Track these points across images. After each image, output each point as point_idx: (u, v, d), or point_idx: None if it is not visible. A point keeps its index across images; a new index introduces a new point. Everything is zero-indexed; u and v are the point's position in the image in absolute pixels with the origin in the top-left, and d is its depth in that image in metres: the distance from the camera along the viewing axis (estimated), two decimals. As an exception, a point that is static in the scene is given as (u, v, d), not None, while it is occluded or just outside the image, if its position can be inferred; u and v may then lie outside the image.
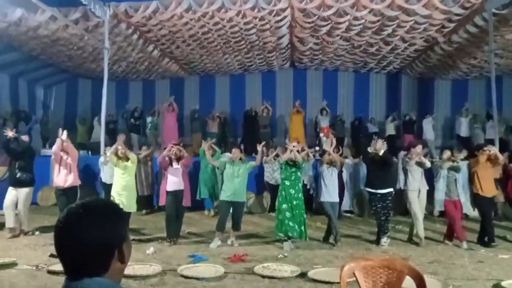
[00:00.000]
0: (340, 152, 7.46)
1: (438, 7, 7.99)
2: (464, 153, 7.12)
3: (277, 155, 7.74)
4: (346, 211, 9.33)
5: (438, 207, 6.84)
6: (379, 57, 11.72)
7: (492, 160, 6.66)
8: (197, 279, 4.75)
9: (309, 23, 9.18)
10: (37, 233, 7.02)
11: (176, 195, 6.48)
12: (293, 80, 13.93)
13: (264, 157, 7.59)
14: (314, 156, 8.27)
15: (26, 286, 4.58)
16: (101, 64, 9.92)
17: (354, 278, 2.70)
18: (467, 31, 9.21)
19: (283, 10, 8.48)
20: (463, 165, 6.89)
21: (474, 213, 7.62)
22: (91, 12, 8.32)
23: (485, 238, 6.54)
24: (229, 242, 6.46)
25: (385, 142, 6.82)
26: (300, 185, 6.58)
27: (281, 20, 8.96)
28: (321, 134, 11.85)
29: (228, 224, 6.58)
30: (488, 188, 6.61)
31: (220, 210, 6.59)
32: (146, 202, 9.23)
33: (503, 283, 4.58)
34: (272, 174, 9.21)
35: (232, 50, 11.34)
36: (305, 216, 6.45)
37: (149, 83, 14.35)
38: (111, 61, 11.25)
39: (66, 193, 6.66)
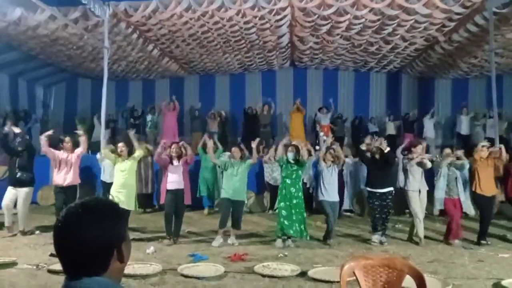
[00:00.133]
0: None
1: (438, 6, 7.98)
2: (461, 152, 7.13)
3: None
4: (346, 210, 9.33)
5: (438, 206, 6.85)
6: (379, 56, 11.71)
7: (495, 158, 6.67)
8: (197, 278, 4.75)
9: (309, 22, 9.17)
10: (37, 232, 7.01)
11: (176, 194, 6.48)
12: (293, 79, 13.91)
13: (264, 157, 7.60)
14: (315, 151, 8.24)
15: (26, 285, 4.57)
16: (101, 64, 9.91)
17: (354, 277, 2.70)
18: (468, 30, 9.20)
19: (283, 9, 8.47)
20: (466, 163, 6.89)
21: (474, 212, 7.63)
22: (91, 11, 8.30)
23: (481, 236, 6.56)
24: (229, 241, 6.46)
25: (386, 141, 6.84)
26: (301, 183, 6.58)
27: (281, 19, 8.95)
28: (321, 133, 11.84)
29: (228, 223, 6.59)
30: (488, 187, 6.61)
31: (221, 208, 6.61)
32: (146, 201, 9.23)
33: (503, 282, 4.58)
34: (272, 174, 9.21)
35: (232, 49, 11.32)
36: (305, 215, 6.45)
37: (149, 82, 14.34)
38: (111, 61, 11.23)
39: (65, 192, 6.66)
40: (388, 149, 6.68)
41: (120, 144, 6.77)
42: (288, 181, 6.43)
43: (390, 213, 6.92)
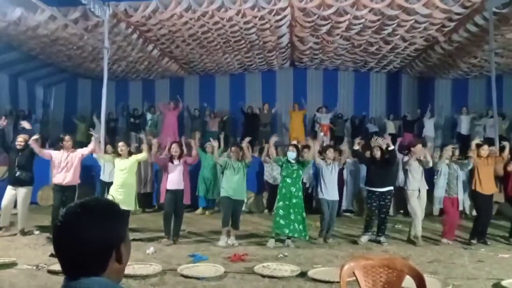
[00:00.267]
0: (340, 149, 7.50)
1: (438, 6, 7.98)
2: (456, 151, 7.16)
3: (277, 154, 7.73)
4: (346, 211, 9.33)
5: (437, 205, 6.86)
6: (379, 56, 11.71)
7: (496, 157, 6.67)
8: (197, 278, 4.75)
9: (309, 22, 9.17)
10: (36, 232, 7.00)
11: (175, 194, 6.48)
12: (293, 80, 13.92)
13: (264, 157, 7.58)
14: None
15: (26, 286, 4.57)
16: (101, 64, 9.91)
17: (354, 278, 2.70)
18: (468, 30, 9.20)
19: (283, 9, 8.47)
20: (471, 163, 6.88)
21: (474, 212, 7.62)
22: (91, 11, 8.31)
23: (474, 235, 6.59)
24: (229, 241, 6.46)
25: (386, 140, 6.83)
26: (301, 183, 6.58)
27: (281, 19, 8.95)
28: (322, 133, 11.85)
29: (228, 223, 6.59)
30: (488, 186, 6.61)
31: (222, 206, 6.61)
32: (146, 200, 9.22)
33: (503, 283, 4.58)
34: (271, 173, 9.21)
35: (232, 49, 11.32)
36: (304, 215, 6.44)
37: (149, 82, 14.34)
38: (111, 61, 11.24)
39: (63, 191, 6.64)
40: (392, 147, 6.68)
41: (120, 144, 6.76)
42: (288, 180, 6.42)
43: (389, 212, 6.92)
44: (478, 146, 6.78)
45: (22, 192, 6.85)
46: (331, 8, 8.31)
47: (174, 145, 6.66)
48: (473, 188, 6.66)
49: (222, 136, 8.10)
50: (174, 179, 6.49)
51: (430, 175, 6.90)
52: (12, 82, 12.73)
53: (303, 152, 6.95)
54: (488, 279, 4.81)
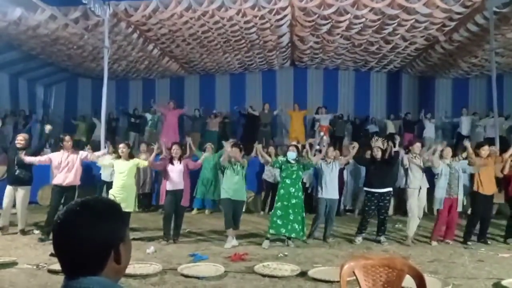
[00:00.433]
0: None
1: (438, 6, 7.98)
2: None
3: (276, 155, 7.73)
4: (346, 210, 9.32)
5: (437, 205, 6.85)
6: (379, 56, 11.70)
7: (496, 157, 6.66)
8: (198, 278, 4.75)
9: (309, 21, 9.17)
10: (37, 232, 6.99)
11: (175, 195, 6.47)
12: (294, 79, 13.91)
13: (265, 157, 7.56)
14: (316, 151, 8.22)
15: (27, 285, 4.57)
16: (101, 63, 9.91)
17: (354, 277, 2.70)
18: (468, 30, 9.19)
19: (283, 8, 8.47)
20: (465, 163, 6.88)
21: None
22: (91, 11, 8.31)
23: (469, 234, 6.57)
24: (233, 242, 6.43)
25: (386, 141, 6.82)
26: (301, 183, 6.57)
27: (281, 18, 8.95)
28: (321, 133, 11.83)
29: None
30: (489, 186, 6.60)
31: (223, 208, 6.60)
32: (145, 201, 9.21)
33: (504, 282, 4.57)
34: (272, 171, 9.19)
35: (232, 49, 11.32)
36: (303, 215, 6.43)
37: (149, 82, 14.34)
38: (111, 60, 11.24)
39: (63, 191, 6.63)
40: (397, 148, 6.66)
41: (121, 145, 6.70)
42: (288, 181, 6.40)
43: (388, 213, 6.92)
44: (479, 146, 6.76)
45: (21, 192, 6.84)
46: (331, 7, 8.31)
47: (174, 146, 6.64)
48: (475, 189, 6.61)
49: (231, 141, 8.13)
50: (174, 180, 6.48)
51: (430, 175, 6.90)
52: (13, 82, 12.73)
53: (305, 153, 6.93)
54: (488, 279, 4.80)
